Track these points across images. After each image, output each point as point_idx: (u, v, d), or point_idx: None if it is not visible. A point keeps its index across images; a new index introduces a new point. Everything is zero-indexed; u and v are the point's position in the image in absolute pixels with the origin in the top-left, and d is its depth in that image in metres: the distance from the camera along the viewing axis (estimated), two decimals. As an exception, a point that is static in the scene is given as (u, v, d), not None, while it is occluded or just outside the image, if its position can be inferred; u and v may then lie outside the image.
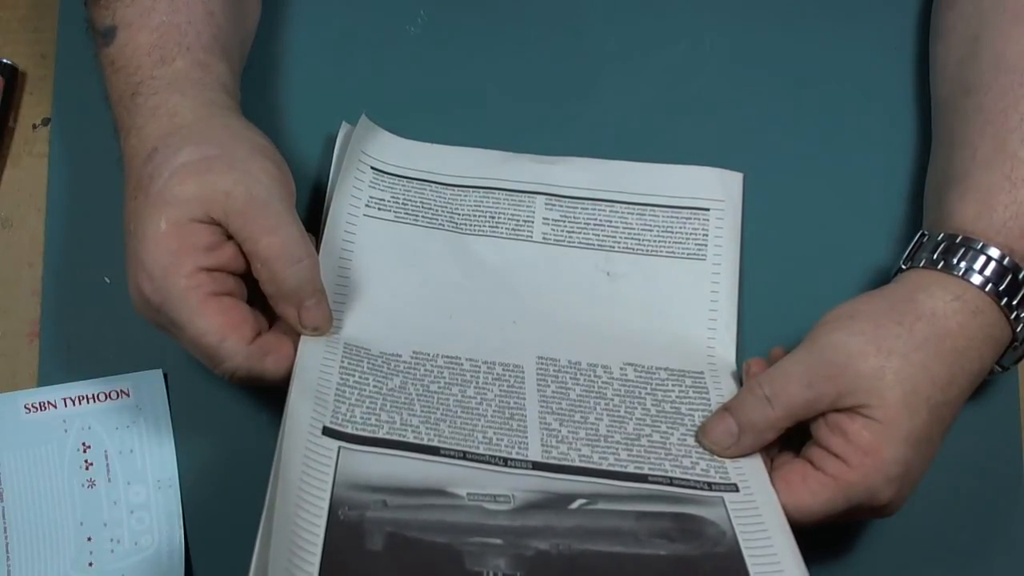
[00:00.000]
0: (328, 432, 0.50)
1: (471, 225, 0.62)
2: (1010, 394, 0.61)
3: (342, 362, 0.54)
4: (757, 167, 0.63)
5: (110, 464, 0.57)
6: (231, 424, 0.59)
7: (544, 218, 0.62)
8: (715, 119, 0.65)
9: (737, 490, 0.51)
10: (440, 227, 0.61)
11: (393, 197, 0.62)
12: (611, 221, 0.62)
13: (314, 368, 0.53)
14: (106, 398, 0.58)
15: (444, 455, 0.51)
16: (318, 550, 0.44)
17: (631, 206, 0.62)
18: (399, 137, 0.63)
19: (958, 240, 0.54)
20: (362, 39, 0.66)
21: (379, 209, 0.61)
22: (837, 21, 0.66)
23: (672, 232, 0.62)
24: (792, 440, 0.53)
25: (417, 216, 0.61)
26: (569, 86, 0.65)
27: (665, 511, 0.50)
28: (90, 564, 0.55)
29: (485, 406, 0.54)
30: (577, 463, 0.52)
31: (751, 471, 0.52)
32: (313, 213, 0.62)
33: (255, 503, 0.45)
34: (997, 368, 0.55)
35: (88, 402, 0.58)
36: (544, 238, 0.62)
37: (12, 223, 0.62)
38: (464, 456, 0.51)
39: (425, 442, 0.51)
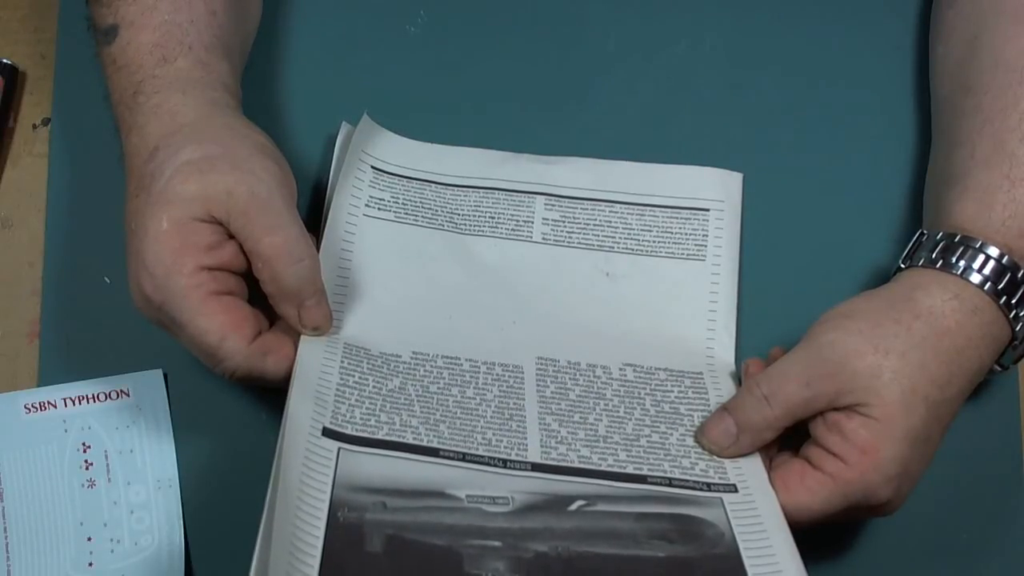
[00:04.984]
0: (328, 433, 0.50)
1: (471, 225, 0.62)
2: (1010, 394, 0.60)
3: (342, 362, 0.54)
4: (757, 167, 0.63)
5: (110, 464, 0.57)
6: (231, 424, 0.59)
7: (544, 218, 0.62)
8: (715, 119, 0.65)
9: (736, 491, 0.51)
10: (440, 227, 0.61)
11: (393, 197, 0.62)
12: (611, 221, 0.62)
13: (314, 368, 0.53)
14: (106, 398, 0.58)
15: (443, 456, 0.51)
16: (318, 552, 0.44)
17: (631, 206, 0.62)
18: (400, 136, 0.63)
19: (957, 239, 0.54)
20: (362, 39, 0.66)
21: (379, 209, 0.61)
22: (837, 21, 0.66)
23: (671, 232, 0.62)
24: (791, 440, 0.53)
25: (417, 216, 0.61)
26: (569, 86, 0.65)
27: (664, 512, 0.50)
28: (90, 564, 0.56)
29: (484, 407, 0.54)
30: (576, 464, 0.52)
31: (750, 471, 0.52)
32: (313, 213, 0.62)
33: (255, 503, 0.46)
34: (997, 367, 0.55)
35: (88, 402, 0.58)
36: (544, 238, 0.62)
37: (12, 223, 0.62)
38: (463, 458, 0.51)
39: (424, 443, 0.51)
